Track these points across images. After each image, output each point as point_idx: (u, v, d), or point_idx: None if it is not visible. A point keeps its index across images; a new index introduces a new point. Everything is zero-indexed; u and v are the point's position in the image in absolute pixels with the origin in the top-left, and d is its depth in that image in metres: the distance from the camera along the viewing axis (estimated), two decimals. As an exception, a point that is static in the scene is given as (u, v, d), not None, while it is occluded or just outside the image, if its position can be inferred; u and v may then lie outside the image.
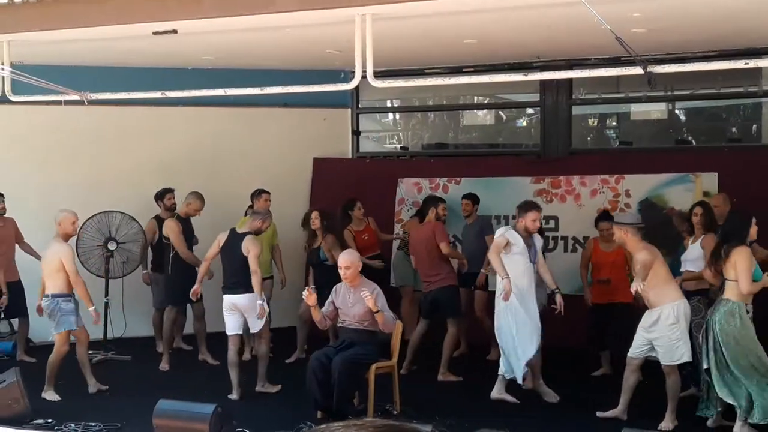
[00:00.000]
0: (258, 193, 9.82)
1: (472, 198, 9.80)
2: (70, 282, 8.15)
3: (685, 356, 7.15)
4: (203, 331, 9.68)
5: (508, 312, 7.79)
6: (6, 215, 9.72)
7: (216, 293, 9.73)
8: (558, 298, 7.81)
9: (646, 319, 7.25)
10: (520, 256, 7.77)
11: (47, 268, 8.24)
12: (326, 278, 8.65)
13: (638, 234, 7.33)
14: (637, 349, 7.29)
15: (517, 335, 7.77)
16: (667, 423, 7.07)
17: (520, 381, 7.87)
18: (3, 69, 7.47)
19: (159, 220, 9.91)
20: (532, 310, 7.80)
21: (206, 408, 6.39)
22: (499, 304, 7.84)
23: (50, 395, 8.14)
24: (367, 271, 8.20)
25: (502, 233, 7.87)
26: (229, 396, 8.07)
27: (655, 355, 7.27)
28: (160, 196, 10.03)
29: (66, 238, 8.33)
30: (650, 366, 7.40)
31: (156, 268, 10.07)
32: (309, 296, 7.41)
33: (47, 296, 8.23)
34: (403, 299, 10.19)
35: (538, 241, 8.03)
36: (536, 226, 7.87)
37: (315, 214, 9.32)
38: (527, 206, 7.99)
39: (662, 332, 7.12)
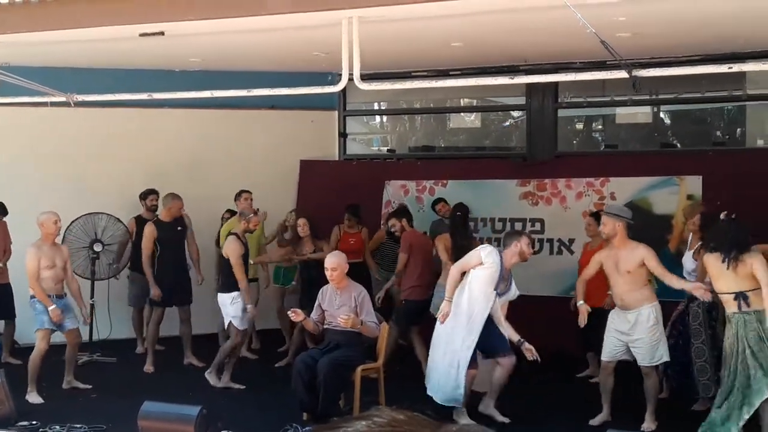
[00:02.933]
0: (238, 194, 9.87)
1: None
2: (47, 282, 8.22)
3: (664, 356, 7.17)
4: (189, 334, 9.65)
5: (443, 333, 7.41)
6: None
7: (202, 296, 9.77)
8: (526, 346, 7.29)
9: (620, 321, 7.20)
10: (489, 279, 7.26)
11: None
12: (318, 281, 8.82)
13: (627, 230, 7.18)
14: (611, 353, 7.29)
15: (443, 358, 7.37)
16: (649, 424, 7.12)
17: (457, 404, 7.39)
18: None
19: (139, 220, 10.06)
20: (469, 340, 7.29)
21: (192, 410, 6.36)
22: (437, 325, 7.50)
23: (33, 397, 8.13)
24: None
25: (484, 255, 7.27)
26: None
27: (628, 357, 7.27)
28: (143, 197, 10.14)
29: (49, 238, 8.33)
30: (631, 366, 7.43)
31: (134, 267, 10.10)
32: (296, 316, 7.49)
33: (31, 296, 8.30)
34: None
35: (513, 286, 7.57)
36: (530, 251, 7.57)
37: (303, 221, 9.35)
38: (520, 231, 7.88)
39: (642, 334, 7.11)
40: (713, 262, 6.63)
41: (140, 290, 10.08)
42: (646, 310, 7.12)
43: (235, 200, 9.85)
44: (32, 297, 8.26)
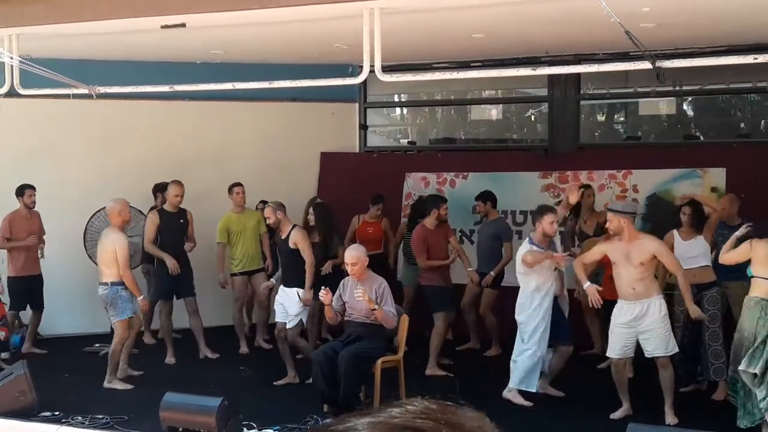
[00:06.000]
0: (231, 187, 9.87)
1: (482, 198, 9.73)
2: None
3: (675, 347, 7.17)
4: (199, 327, 9.57)
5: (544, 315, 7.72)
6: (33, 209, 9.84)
7: (209, 288, 9.78)
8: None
9: (628, 312, 7.11)
10: (546, 269, 7.65)
11: (104, 257, 8.38)
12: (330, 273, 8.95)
13: (633, 223, 7.31)
14: (622, 349, 7.21)
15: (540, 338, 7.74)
16: (671, 417, 7.06)
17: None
18: (12, 58, 7.48)
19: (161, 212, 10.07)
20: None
21: (213, 401, 6.40)
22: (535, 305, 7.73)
23: (118, 384, 8.30)
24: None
25: (523, 252, 7.67)
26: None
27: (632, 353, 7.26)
28: (162, 189, 10.15)
29: (122, 225, 8.47)
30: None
31: (151, 259, 10.14)
32: (326, 296, 7.44)
33: (105, 284, 8.34)
34: (404, 300, 10.25)
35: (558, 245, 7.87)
36: (554, 228, 7.67)
37: (311, 211, 9.35)
38: (542, 210, 7.80)
39: (654, 324, 7.06)
40: (764, 247, 6.81)
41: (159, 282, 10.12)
42: (657, 300, 7.11)
43: (229, 194, 9.87)
44: (113, 284, 8.26)
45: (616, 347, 7.24)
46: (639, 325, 7.10)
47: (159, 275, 9.58)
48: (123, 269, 8.26)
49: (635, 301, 7.11)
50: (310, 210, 9.36)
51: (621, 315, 7.17)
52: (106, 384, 8.31)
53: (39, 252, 9.79)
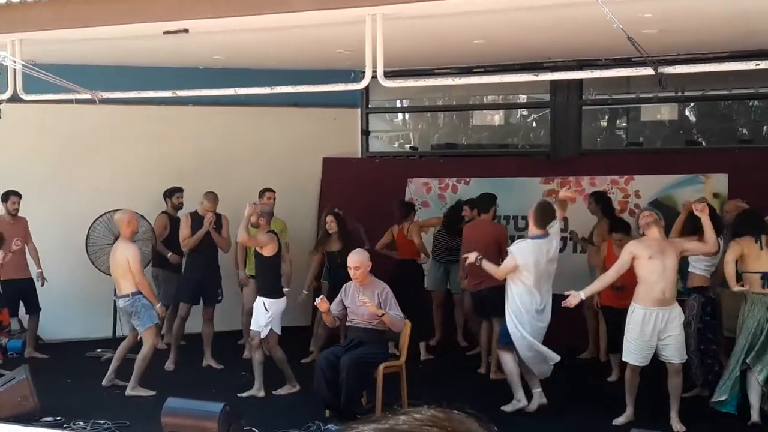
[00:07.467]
0: (262, 192, 9.86)
1: (471, 204, 9.74)
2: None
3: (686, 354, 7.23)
4: (210, 335, 9.54)
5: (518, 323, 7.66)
6: (18, 214, 9.78)
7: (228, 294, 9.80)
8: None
9: (654, 320, 7.03)
10: (532, 271, 7.59)
11: (119, 270, 8.37)
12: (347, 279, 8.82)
13: None
14: (647, 357, 7.15)
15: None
16: (678, 424, 7.04)
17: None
18: (15, 63, 7.49)
19: (170, 217, 10.04)
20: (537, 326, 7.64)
21: (215, 406, 6.40)
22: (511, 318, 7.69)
23: (141, 391, 8.24)
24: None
25: (512, 251, 7.67)
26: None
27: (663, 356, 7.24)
28: (169, 194, 10.15)
29: (131, 236, 8.50)
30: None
31: (161, 264, 10.12)
32: (321, 303, 7.46)
33: (126, 296, 8.32)
34: (434, 304, 10.24)
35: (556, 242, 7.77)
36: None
37: (330, 218, 9.34)
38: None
39: (675, 331, 7.06)
40: (748, 244, 7.02)
41: (168, 288, 10.09)
42: (677, 307, 7.12)
43: (259, 198, 9.88)
44: (133, 294, 8.27)
45: (639, 355, 7.12)
46: (662, 333, 7.04)
47: (188, 277, 9.59)
48: (138, 278, 8.27)
49: (660, 308, 7.02)
50: (329, 218, 9.34)
51: (645, 323, 7.03)
52: (129, 391, 8.25)
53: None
